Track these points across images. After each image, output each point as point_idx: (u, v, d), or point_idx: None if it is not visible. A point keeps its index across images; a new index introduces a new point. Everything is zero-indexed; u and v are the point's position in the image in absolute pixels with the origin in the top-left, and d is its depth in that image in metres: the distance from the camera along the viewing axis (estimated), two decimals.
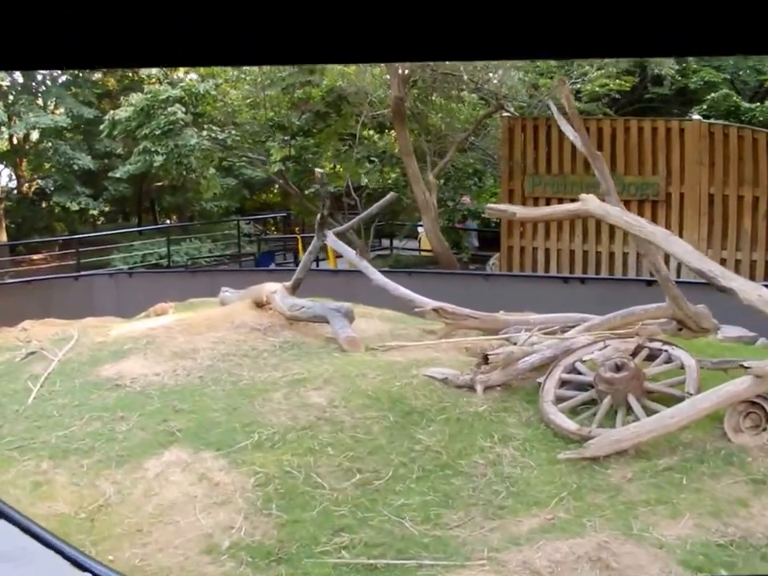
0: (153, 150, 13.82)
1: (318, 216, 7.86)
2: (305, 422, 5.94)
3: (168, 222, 22.09)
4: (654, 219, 11.78)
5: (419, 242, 17.60)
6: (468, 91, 14.91)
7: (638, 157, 12.86)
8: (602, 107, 15.70)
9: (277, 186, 23.56)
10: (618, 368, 5.96)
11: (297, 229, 17.44)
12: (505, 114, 14.36)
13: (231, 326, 8.09)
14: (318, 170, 7.88)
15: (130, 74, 20.25)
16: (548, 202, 13.55)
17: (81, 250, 14.90)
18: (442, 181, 15.31)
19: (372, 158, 16.29)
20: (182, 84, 14.63)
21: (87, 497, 5.45)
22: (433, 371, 6.37)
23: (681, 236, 7.46)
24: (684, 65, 16.17)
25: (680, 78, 16.16)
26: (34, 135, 18.87)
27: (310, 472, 5.35)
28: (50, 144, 17.40)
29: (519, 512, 4.88)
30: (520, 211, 6.58)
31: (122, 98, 17.76)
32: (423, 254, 17.44)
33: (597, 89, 14.63)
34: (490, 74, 13.96)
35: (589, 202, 6.16)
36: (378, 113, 14.93)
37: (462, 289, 11.40)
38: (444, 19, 0.68)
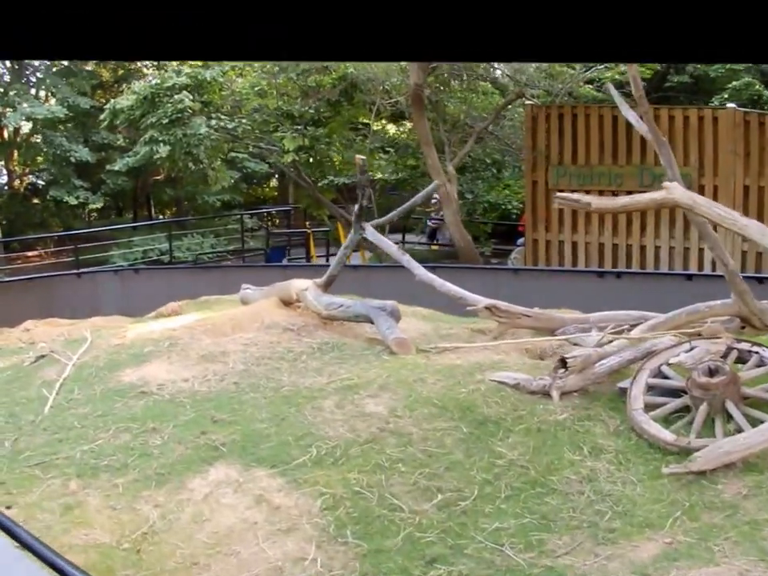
0: (160, 139, 13.05)
1: (356, 207, 7.22)
2: (366, 434, 5.31)
3: (161, 217, 21.30)
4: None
5: (429, 235, 16.99)
6: (487, 79, 14.31)
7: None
8: (610, 95, 15.09)
9: (273, 179, 22.81)
10: (711, 372, 5.40)
11: (307, 223, 16.73)
12: (528, 102, 13.76)
13: (261, 326, 7.43)
14: (358, 156, 7.24)
15: (127, 64, 19.43)
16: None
17: (78, 246, 14.10)
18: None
19: (387, 149, 15.63)
20: (187, 71, 13.88)
21: (128, 523, 4.79)
22: (502, 376, 5.77)
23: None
24: None
25: (699, 66, 15.71)
26: (26, 127, 17.97)
27: (384, 492, 4.73)
28: (43, 136, 16.49)
29: (632, 535, 4.30)
30: (595, 202, 6.00)
31: (124, 85, 16.97)
32: (433, 248, 16.84)
33: (617, 76, 14.09)
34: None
35: (674, 191, 5.59)
36: (392, 101, 14.28)
37: (490, 284, 10.77)
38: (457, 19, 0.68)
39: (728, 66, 15.55)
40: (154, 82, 13.69)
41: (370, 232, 7.21)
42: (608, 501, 4.63)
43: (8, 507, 5.16)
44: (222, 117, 13.95)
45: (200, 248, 15.74)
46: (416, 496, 4.72)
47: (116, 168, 15.66)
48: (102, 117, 14.54)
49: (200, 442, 5.50)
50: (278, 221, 21.16)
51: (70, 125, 17.34)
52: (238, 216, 17.29)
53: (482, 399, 5.58)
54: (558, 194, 5.99)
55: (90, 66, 18.89)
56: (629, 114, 7.10)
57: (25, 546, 1.29)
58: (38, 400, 6.84)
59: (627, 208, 6.16)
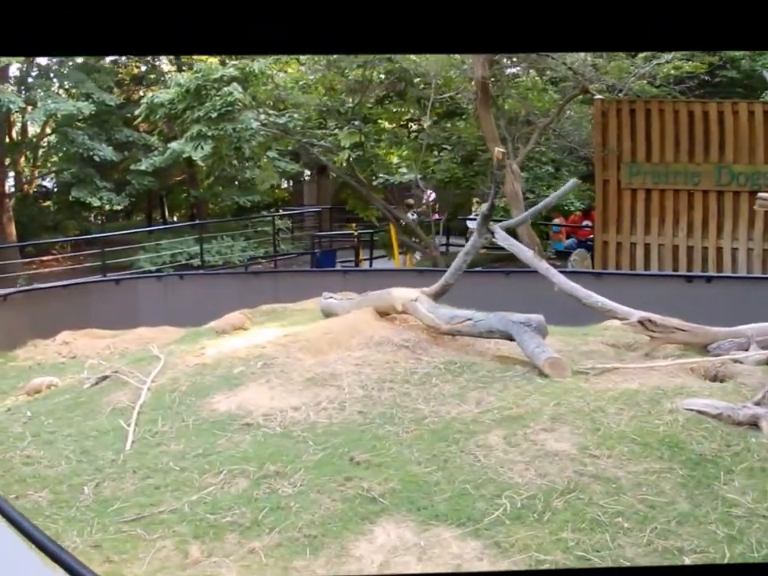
0: (208, 134, 11.91)
1: (486, 207, 6.25)
2: (562, 479, 4.33)
3: (173, 219, 20.14)
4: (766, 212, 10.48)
5: (467, 238, 16.04)
6: (553, 70, 13.44)
7: (749, 143, 11.58)
8: (663, 90, 14.34)
9: (287, 181, 21.74)
10: None
11: (354, 225, 15.69)
12: (597, 96, 12.90)
13: (370, 343, 6.42)
14: (498, 149, 6.27)
15: (151, 59, 18.36)
16: (648, 194, 12.21)
17: (97, 250, 12.92)
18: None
19: (444, 146, 14.65)
20: (234, 62, 12.79)
21: None
22: (699, 404, 4.84)
23: None
24: None
25: (744, 61, 15.05)
26: (34, 127, 16.69)
27: (616, 556, 3.77)
28: (65, 134, 15.22)
29: None
30: None
31: (166, 76, 15.89)
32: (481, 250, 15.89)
33: (672, 71, 13.32)
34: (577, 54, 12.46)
35: None
36: (448, 95, 13.33)
37: None
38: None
39: None
40: (200, 73, 12.51)
41: (501, 236, 6.24)
42: None
43: None
44: (270, 111, 12.88)
45: (230, 251, 14.65)
46: (656, 560, 3.76)
47: (142, 167, 14.50)
48: (137, 111, 13.32)
49: (348, 492, 4.48)
50: (291, 223, 20.04)
51: (84, 123, 16.13)
52: (261, 218, 16.20)
53: (686, 433, 4.64)
54: (761, 194, 5.10)
55: (107, 65, 17.78)
56: None
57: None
58: (113, 432, 5.75)
59: None
